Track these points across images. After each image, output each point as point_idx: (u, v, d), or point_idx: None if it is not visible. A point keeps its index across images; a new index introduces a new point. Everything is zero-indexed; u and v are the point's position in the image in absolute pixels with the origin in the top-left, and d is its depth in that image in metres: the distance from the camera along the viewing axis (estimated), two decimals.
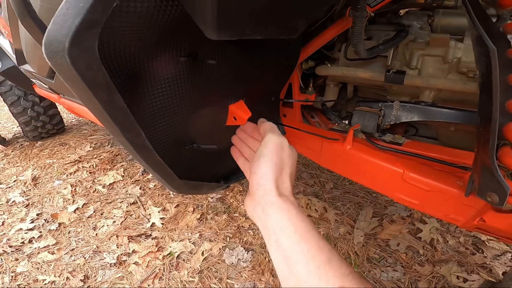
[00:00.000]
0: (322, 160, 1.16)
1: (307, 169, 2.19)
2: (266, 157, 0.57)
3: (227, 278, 1.38)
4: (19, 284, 1.38)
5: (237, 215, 1.77)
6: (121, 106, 0.52)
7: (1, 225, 1.77)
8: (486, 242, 1.52)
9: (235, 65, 0.86)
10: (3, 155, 2.73)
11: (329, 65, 1.12)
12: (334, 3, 0.95)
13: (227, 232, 1.64)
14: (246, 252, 1.51)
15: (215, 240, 1.59)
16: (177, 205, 1.86)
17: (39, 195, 2.06)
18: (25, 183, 2.22)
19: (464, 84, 0.88)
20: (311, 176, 2.10)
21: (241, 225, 1.69)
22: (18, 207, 1.94)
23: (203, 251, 1.52)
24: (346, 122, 1.15)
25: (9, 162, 2.59)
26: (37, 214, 1.85)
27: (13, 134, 3.23)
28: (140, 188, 2.08)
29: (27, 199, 2.02)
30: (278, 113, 1.20)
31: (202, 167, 0.98)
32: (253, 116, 0.95)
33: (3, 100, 2.64)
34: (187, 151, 0.89)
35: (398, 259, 1.45)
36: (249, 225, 1.68)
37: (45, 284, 1.38)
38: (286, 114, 1.28)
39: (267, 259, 1.46)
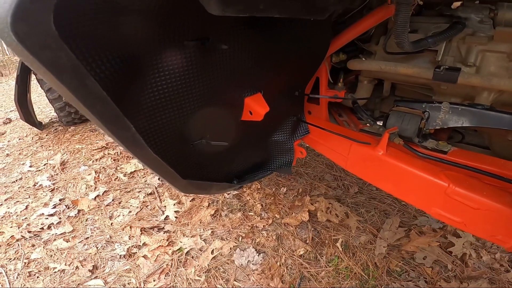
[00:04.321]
0: (348, 165, 1.00)
1: (330, 170, 2.00)
2: None
3: (234, 280, 1.26)
4: (31, 271, 1.34)
5: (252, 214, 1.62)
6: (98, 94, 0.42)
7: (25, 209, 1.76)
8: None
9: (253, 52, 0.71)
10: (38, 138, 2.77)
11: (363, 58, 0.93)
12: None
13: (240, 231, 1.51)
14: (257, 254, 1.37)
15: (226, 239, 1.46)
16: (193, 199, 1.76)
17: (65, 180, 2.04)
18: (54, 167, 2.21)
19: None
20: (335, 178, 1.91)
21: (255, 225, 1.54)
22: (44, 191, 1.93)
23: (213, 250, 1.40)
24: (380, 123, 0.96)
25: (42, 145, 2.62)
26: (60, 200, 1.82)
27: (50, 118, 3.29)
28: (158, 179, 1.99)
29: (53, 183, 2.00)
30: (302, 109, 1.03)
31: (212, 164, 0.85)
32: (273, 112, 0.80)
33: (40, 86, 2.67)
34: (196, 148, 0.75)
35: (422, 273, 1.26)
36: (263, 226, 1.54)
37: (55, 272, 1.33)
38: (312, 111, 1.11)
39: (278, 263, 1.32)
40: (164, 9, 0.47)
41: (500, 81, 0.73)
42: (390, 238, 1.43)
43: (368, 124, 1.01)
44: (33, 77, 2.66)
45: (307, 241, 1.42)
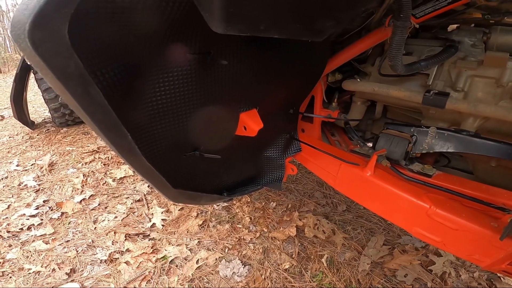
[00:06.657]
0: (337, 184, 0.99)
1: (320, 188, 1.98)
2: None
3: None
4: (4, 271, 1.26)
5: (240, 226, 1.58)
6: (99, 102, 0.43)
7: (7, 208, 1.67)
8: (502, 278, 1.30)
9: (251, 68, 0.71)
10: (28, 137, 2.68)
11: (358, 79, 0.93)
12: (372, 9, 0.77)
13: (226, 243, 1.46)
14: (243, 266, 1.33)
15: (213, 250, 1.41)
16: (182, 208, 1.70)
17: (51, 182, 1.96)
18: (41, 167, 2.12)
19: None
20: (324, 196, 1.90)
21: (242, 237, 1.50)
22: (28, 192, 1.84)
23: (198, 259, 1.35)
24: (370, 145, 0.96)
25: (32, 145, 2.53)
26: (44, 201, 1.75)
27: (43, 118, 3.21)
28: (148, 186, 1.93)
29: (39, 184, 1.92)
30: (296, 127, 1.02)
31: (203, 176, 0.83)
32: (267, 128, 0.79)
33: (38, 86, 2.62)
34: (188, 158, 0.73)
35: None
36: (250, 239, 1.49)
37: (29, 273, 1.25)
38: (305, 129, 1.10)
39: (263, 276, 1.28)
40: (172, 25, 0.48)
41: (486, 108, 0.74)
42: (374, 256, 1.42)
43: (358, 145, 1.01)
44: (31, 75, 2.61)
45: (293, 256, 1.39)
